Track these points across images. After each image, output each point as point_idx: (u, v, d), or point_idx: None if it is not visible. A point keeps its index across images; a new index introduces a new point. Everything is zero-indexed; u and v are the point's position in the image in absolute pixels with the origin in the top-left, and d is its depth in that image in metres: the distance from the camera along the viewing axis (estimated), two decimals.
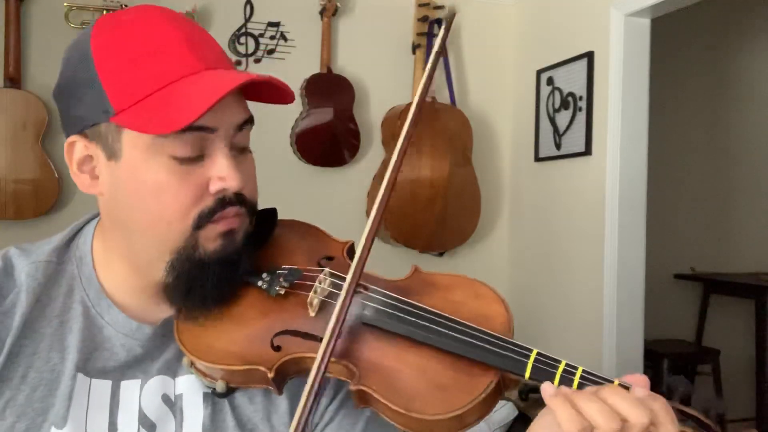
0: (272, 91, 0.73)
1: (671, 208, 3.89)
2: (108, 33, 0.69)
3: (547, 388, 0.61)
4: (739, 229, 4.08)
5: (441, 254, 3.22)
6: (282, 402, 0.77)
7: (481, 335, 0.66)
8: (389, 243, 3.04)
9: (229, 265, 0.71)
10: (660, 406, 0.60)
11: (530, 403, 2.66)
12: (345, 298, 0.67)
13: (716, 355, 3.60)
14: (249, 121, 0.73)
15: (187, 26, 0.71)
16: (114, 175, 0.70)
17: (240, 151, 0.73)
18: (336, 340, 0.65)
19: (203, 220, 0.69)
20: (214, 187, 0.69)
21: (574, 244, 2.90)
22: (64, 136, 0.74)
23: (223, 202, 0.69)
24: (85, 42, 0.69)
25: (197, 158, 0.68)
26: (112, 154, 0.69)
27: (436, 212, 3.03)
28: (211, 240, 0.70)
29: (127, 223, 0.71)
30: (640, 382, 0.61)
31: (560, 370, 0.63)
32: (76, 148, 0.71)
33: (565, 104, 2.93)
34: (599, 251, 2.71)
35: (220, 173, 0.69)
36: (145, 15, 0.70)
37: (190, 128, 0.65)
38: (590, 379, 0.62)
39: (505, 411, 2.34)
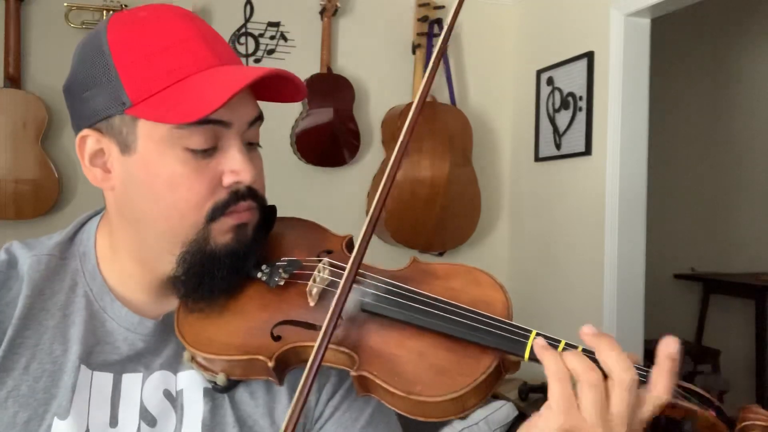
0: (281, 90, 0.75)
1: (671, 208, 3.89)
2: (124, 28, 0.70)
3: (539, 341, 0.63)
4: (739, 229, 4.08)
5: (441, 254, 3.23)
6: (283, 397, 0.77)
7: (479, 318, 0.67)
8: (389, 243, 3.04)
9: (239, 258, 0.72)
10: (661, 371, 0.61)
11: (530, 403, 2.66)
12: (347, 277, 0.67)
13: (716, 355, 3.60)
14: (260, 117, 0.74)
15: (200, 23, 0.72)
16: (127, 169, 0.70)
17: (250, 147, 0.74)
18: (337, 320, 0.65)
19: (217, 212, 0.70)
20: (228, 180, 0.70)
21: (574, 244, 2.90)
22: (73, 131, 0.74)
23: (237, 195, 0.71)
24: (101, 37, 0.70)
25: (211, 151, 0.69)
26: (126, 148, 0.70)
27: (436, 212, 3.02)
28: (222, 233, 0.71)
29: (138, 217, 0.72)
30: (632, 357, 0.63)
31: (560, 348, 0.64)
32: (88, 143, 0.72)
33: (565, 104, 2.93)
34: (599, 251, 2.71)
35: (234, 167, 0.70)
36: (160, 12, 0.71)
37: (207, 121, 0.67)
38: (589, 358, 0.64)
39: (505, 411, 2.34)
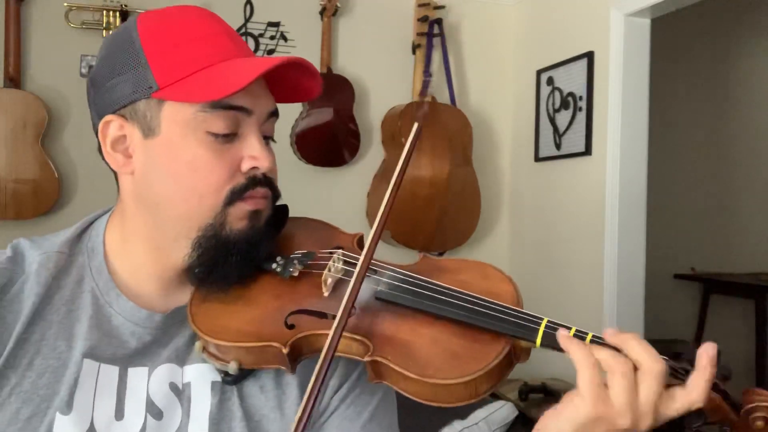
0: (296, 87, 0.78)
1: (671, 208, 3.89)
2: (154, 21, 0.73)
3: (563, 332, 0.64)
4: (739, 229, 4.08)
5: (441, 254, 3.22)
6: (293, 390, 0.78)
7: (490, 305, 0.69)
8: (389, 243, 3.04)
9: (253, 246, 0.74)
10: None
11: (530, 403, 2.66)
12: (363, 262, 0.69)
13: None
14: (276, 113, 0.78)
15: (224, 23, 0.76)
16: (149, 152, 0.73)
17: (266, 140, 0.77)
18: (352, 308, 0.67)
19: (234, 196, 0.72)
20: (246, 165, 0.73)
21: (574, 244, 2.90)
22: (92, 121, 0.76)
23: (254, 181, 0.74)
24: (131, 29, 0.73)
25: (231, 137, 0.72)
26: (149, 131, 0.72)
27: (436, 212, 3.03)
28: (238, 219, 0.73)
29: (157, 200, 0.73)
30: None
31: (571, 334, 0.65)
32: (111, 128, 0.74)
33: (565, 104, 2.93)
34: (599, 251, 2.71)
35: (253, 153, 0.73)
36: (188, 10, 0.76)
37: (229, 107, 0.70)
38: (599, 343, 0.65)
39: (505, 411, 2.34)
